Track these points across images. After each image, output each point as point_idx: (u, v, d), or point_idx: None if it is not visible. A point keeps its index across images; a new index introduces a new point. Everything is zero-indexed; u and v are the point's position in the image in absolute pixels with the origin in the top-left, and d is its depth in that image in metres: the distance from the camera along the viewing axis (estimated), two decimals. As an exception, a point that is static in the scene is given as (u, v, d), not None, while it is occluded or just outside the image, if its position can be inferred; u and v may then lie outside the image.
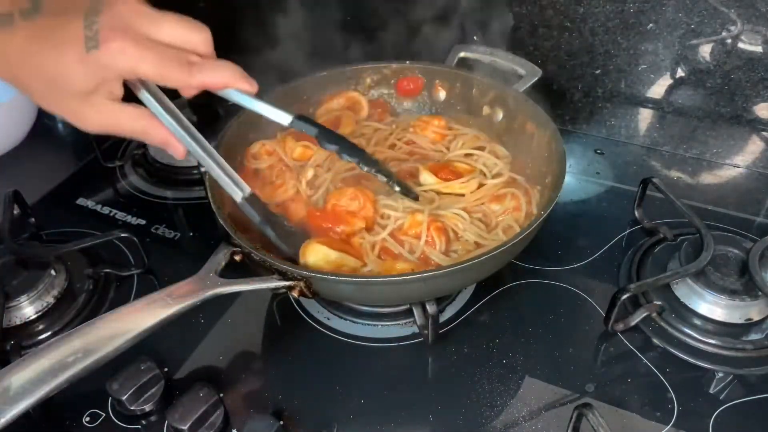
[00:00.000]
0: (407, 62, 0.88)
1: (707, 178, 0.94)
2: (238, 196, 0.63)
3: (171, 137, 0.56)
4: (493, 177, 0.76)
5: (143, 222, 0.88)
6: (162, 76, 0.50)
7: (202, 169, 0.71)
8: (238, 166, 0.77)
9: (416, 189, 0.72)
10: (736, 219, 0.85)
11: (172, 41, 0.50)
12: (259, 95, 0.57)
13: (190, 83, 0.52)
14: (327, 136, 0.62)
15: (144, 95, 0.55)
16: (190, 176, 0.94)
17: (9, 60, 0.50)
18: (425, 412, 0.64)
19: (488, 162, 0.78)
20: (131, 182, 0.95)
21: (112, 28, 0.48)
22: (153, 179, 0.95)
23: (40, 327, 0.72)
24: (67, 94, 0.50)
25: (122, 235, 0.77)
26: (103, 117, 0.52)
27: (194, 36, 0.51)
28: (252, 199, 0.63)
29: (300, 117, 0.60)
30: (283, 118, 0.59)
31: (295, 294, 0.61)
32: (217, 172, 0.62)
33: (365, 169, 0.65)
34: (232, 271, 0.62)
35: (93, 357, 0.52)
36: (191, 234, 0.86)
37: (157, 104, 0.56)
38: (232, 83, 0.54)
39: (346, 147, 0.63)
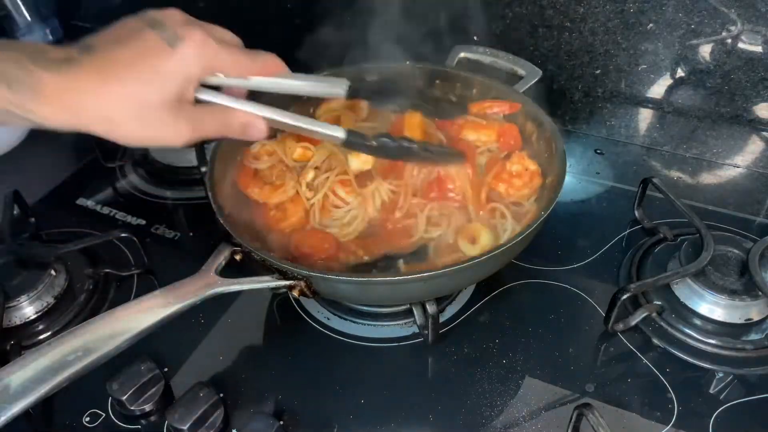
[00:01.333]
0: (407, 62, 0.88)
1: (707, 178, 0.94)
2: (340, 136, 0.61)
3: (250, 117, 0.56)
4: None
5: (143, 222, 0.88)
6: (237, 62, 0.53)
7: (203, 169, 0.71)
8: (238, 166, 0.77)
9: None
10: (736, 219, 0.85)
11: (222, 38, 0.54)
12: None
13: (253, 68, 0.55)
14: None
15: (204, 93, 0.54)
16: (190, 176, 0.94)
17: (85, 99, 0.48)
18: (425, 412, 0.64)
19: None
20: (131, 182, 0.95)
21: (186, 26, 0.50)
22: (153, 179, 0.95)
23: (40, 327, 0.72)
24: (158, 105, 0.49)
25: (122, 235, 0.77)
26: (193, 123, 0.52)
27: (230, 35, 0.55)
28: (353, 134, 0.62)
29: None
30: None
31: (295, 293, 0.61)
32: (309, 126, 0.61)
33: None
34: (232, 270, 0.62)
35: (93, 356, 0.52)
36: (191, 234, 0.86)
37: (221, 94, 0.56)
38: (282, 66, 0.57)
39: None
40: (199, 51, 0.50)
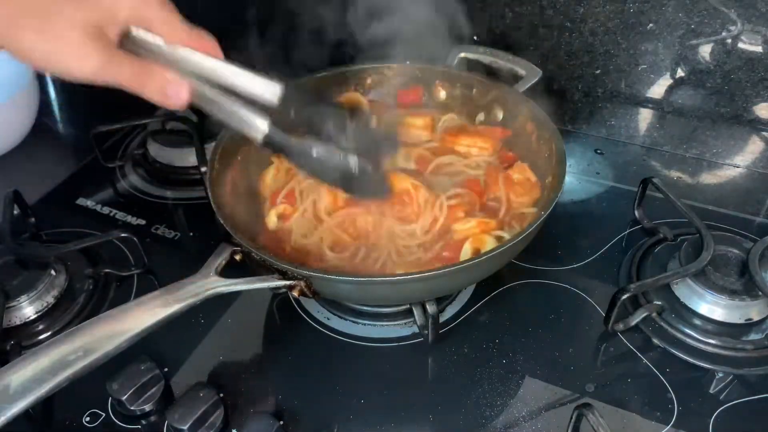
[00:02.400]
0: (407, 62, 0.88)
1: (707, 178, 0.94)
2: (260, 131, 0.54)
3: (170, 80, 0.51)
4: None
5: (143, 222, 0.88)
6: (170, 24, 0.50)
7: (203, 169, 0.71)
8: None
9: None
10: (736, 219, 0.85)
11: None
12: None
13: (184, 37, 0.51)
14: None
15: (138, 32, 0.51)
16: (190, 176, 0.94)
17: None
18: (425, 412, 0.64)
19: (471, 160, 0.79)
20: (131, 182, 0.95)
21: None
22: (153, 179, 0.95)
23: (40, 327, 0.72)
24: (69, 23, 0.46)
25: (122, 235, 0.77)
26: (107, 59, 0.48)
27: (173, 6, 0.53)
28: (275, 131, 0.55)
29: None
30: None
31: (295, 293, 0.61)
32: (234, 109, 0.54)
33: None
34: (232, 270, 0.62)
35: (93, 356, 0.52)
36: (191, 234, 0.86)
37: (156, 42, 0.52)
38: (216, 49, 0.53)
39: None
40: None
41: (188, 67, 0.52)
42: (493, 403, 0.64)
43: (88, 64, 0.47)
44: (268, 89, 0.54)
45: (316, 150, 0.54)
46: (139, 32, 0.52)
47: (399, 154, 0.78)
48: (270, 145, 0.54)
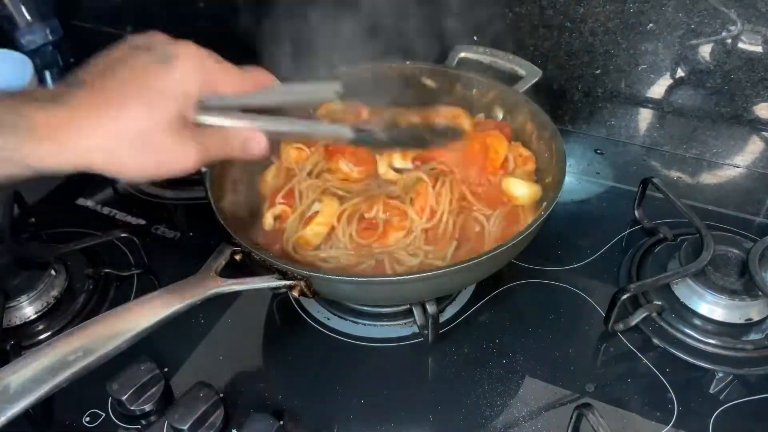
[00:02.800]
0: (407, 63, 0.88)
1: (707, 178, 0.94)
2: (347, 135, 0.58)
3: (249, 138, 0.54)
4: None
5: (143, 222, 0.88)
6: (232, 78, 0.51)
7: (203, 169, 0.71)
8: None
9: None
10: (736, 219, 0.85)
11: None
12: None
13: (246, 84, 0.52)
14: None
15: (200, 115, 0.52)
16: (190, 176, 0.93)
17: (80, 133, 0.45)
18: (425, 412, 0.64)
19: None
20: (131, 182, 0.95)
21: (175, 44, 0.48)
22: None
23: (40, 327, 0.72)
24: (160, 128, 0.47)
25: (122, 235, 0.77)
26: (199, 145, 0.49)
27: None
28: (361, 131, 0.60)
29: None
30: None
31: (295, 293, 0.61)
32: (312, 129, 0.61)
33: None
34: (232, 270, 0.62)
35: (93, 356, 0.52)
36: (191, 234, 0.86)
37: (216, 112, 0.52)
38: (271, 78, 0.55)
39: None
40: (196, 65, 0.48)
41: (254, 104, 0.54)
42: (493, 403, 0.64)
43: (189, 163, 0.49)
44: (327, 90, 0.57)
45: (387, 131, 0.63)
46: (208, 100, 0.51)
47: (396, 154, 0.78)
48: (357, 143, 0.60)
